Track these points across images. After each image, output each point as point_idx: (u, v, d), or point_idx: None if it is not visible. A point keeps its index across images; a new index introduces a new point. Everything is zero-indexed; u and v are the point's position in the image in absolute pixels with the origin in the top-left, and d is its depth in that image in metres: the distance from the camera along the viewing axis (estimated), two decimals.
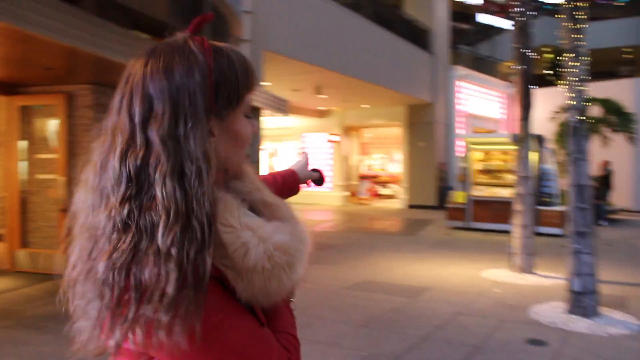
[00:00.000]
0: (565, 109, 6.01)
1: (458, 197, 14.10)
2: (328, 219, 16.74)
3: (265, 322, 0.97)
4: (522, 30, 7.92)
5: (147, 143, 0.89)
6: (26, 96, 8.28)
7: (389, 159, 26.54)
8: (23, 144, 8.32)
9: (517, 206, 8.17)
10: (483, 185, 14.04)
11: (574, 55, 5.87)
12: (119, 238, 0.86)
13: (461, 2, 28.87)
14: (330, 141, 21.18)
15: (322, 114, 21.79)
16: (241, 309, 0.92)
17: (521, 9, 7.88)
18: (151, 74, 0.92)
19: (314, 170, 1.77)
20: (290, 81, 15.38)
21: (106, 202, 0.90)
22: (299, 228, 1.06)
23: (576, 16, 5.87)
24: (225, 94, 0.95)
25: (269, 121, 21.87)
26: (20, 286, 7.17)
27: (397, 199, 21.48)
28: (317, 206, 20.61)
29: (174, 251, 0.83)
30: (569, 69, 5.91)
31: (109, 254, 0.85)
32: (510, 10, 7.71)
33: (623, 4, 19.91)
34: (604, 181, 16.10)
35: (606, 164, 16.35)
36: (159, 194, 0.86)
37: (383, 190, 24.21)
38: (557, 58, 29.01)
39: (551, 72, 28.10)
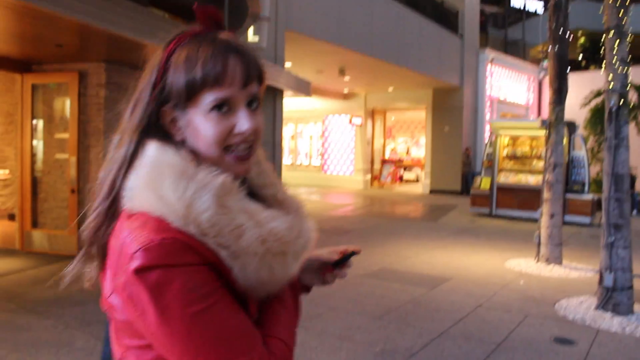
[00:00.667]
0: (604, 92, 5.58)
1: (483, 183, 13.69)
2: (348, 202, 16.45)
3: (255, 318, 0.99)
4: (557, 8, 7.46)
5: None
6: (39, 74, 8.08)
7: (413, 143, 26.12)
8: (36, 123, 8.16)
9: (546, 194, 7.77)
10: (509, 172, 13.60)
11: (616, 34, 5.43)
12: None
13: None
14: (352, 124, 20.79)
15: (346, 96, 21.41)
16: (230, 301, 0.92)
17: None
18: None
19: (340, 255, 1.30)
20: (313, 62, 15.03)
21: None
22: (303, 225, 1.06)
23: None
24: (175, 92, 0.97)
25: (291, 103, 21.65)
26: (28, 267, 7.02)
27: (420, 183, 21.10)
28: (338, 189, 20.34)
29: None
30: (610, 50, 5.47)
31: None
32: None
33: None
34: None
35: None
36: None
37: (406, 175, 23.84)
38: (591, 42, 28.23)
39: (583, 57, 27.34)
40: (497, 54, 20.67)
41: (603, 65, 5.65)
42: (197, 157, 0.98)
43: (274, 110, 10.97)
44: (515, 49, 23.75)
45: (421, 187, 20.42)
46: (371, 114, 21.57)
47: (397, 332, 4.94)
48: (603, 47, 5.61)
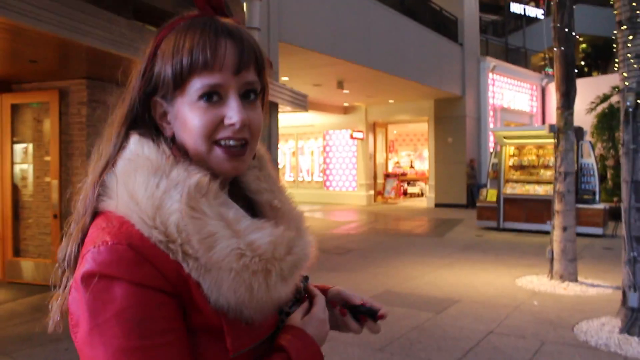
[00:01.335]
0: (617, 92, 5.13)
1: (489, 195, 13.19)
2: (351, 219, 15.95)
3: (236, 352, 0.83)
4: (562, 6, 7.02)
5: None
6: (18, 94, 7.70)
7: (416, 156, 25.67)
8: (17, 146, 7.75)
9: (557, 205, 7.28)
10: (516, 183, 13.11)
11: (629, 28, 4.98)
12: None
13: None
14: (353, 138, 20.36)
15: (346, 110, 21.03)
16: (179, 353, 0.78)
17: None
18: None
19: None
20: (310, 75, 14.62)
21: None
22: (298, 239, 0.93)
23: None
24: (162, 80, 0.89)
25: (291, 118, 21.27)
26: (7, 299, 6.57)
27: (424, 197, 20.62)
28: (341, 206, 19.87)
29: None
30: (623, 45, 5.02)
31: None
32: None
33: None
34: None
35: None
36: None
37: (410, 189, 23.36)
38: (593, 48, 27.83)
39: (585, 63, 26.94)
40: (498, 62, 20.28)
41: (616, 64, 5.20)
42: (184, 154, 0.90)
43: (269, 126, 10.54)
44: (516, 57, 23.37)
45: (426, 201, 19.94)
46: (372, 127, 21.14)
47: None
48: (615, 47, 5.17)
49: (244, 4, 8.45)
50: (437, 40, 17.08)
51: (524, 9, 28.34)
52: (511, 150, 13.39)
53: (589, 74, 25.74)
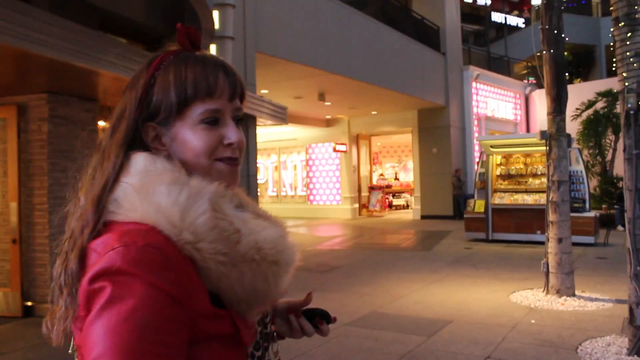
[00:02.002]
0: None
1: (477, 206, 12.81)
2: (335, 234, 15.48)
3: (246, 342, 0.93)
4: (549, 7, 6.67)
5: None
6: None
7: (400, 167, 25.33)
8: None
9: (551, 216, 6.88)
10: (504, 192, 12.75)
11: (627, 25, 4.61)
12: None
13: (470, 4, 27.75)
14: (336, 151, 19.95)
15: (328, 122, 20.65)
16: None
17: None
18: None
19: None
20: (290, 87, 14.21)
21: None
22: (288, 239, 1.02)
23: None
24: (161, 105, 0.97)
25: (272, 132, 20.83)
26: None
27: (410, 209, 20.24)
28: (325, 220, 19.42)
29: None
30: (621, 44, 4.64)
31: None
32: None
33: None
34: None
35: None
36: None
37: (395, 201, 22.98)
38: (575, 56, 27.79)
39: (567, 71, 26.84)
40: (481, 70, 20.04)
41: (615, 63, 4.82)
42: (187, 169, 0.96)
43: (247, 140, 10.06)
44: (499, 66, 23.18)
45: (412, 213, 19.55)
46: (356, 139, 20.77)
47: None
48: (615, 53, 4.79)
49: (216, 12, 8.03)
50: (420, 49, 16.78)
51: (505, 18, 28.29)
52: (498, 159, 13.05)
53: (570, 82, 25.66)
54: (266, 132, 20.98)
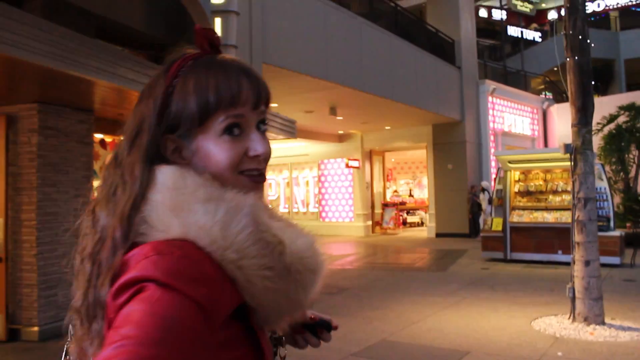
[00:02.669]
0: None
1: (494, 224, 12.25)
2: (347, 252, 14.94)
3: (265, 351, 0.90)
4: (573, 10, 6.19)
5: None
6: None
7: (415, 183, 24.77)
8: None
9: (577, 236, 6.33)
10: (523, 210, 12.17)
11: None
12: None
13: (486, 18, 27.34)
14: (349, 167, 19.47)
15: (341, 138, 20.20)
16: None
17: None
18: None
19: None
20: (300, 101, 13.77)
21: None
22: (319, 246, 0.98)
23: None
24: (185, 117, 0.91)
25: (284, 148, 20.43)
26: None
27: (424, 227, 19.67)
28: (338, 238, 18.89)
29: None
30: None
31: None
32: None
33: None
34: None
35: None
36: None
37: (410, 218, 22.41)
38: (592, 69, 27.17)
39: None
40: (497, 84, 19.51)
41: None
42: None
43: None
44: (515, 80, 22.64)
45: (426, 231, 18.95)
46: (369, 155, 20.30)
47: None
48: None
49: (218, 19, 7.65)
50: (434, 62, 16.32)
51: (522, 32, 27.79)
52: (516, 175, 12.49)
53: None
54: (278, 148, 20.56)
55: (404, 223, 21.98)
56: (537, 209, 12.01)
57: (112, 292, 0.78)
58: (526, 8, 29.08)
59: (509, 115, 20.24)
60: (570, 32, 6.22)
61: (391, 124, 18.16)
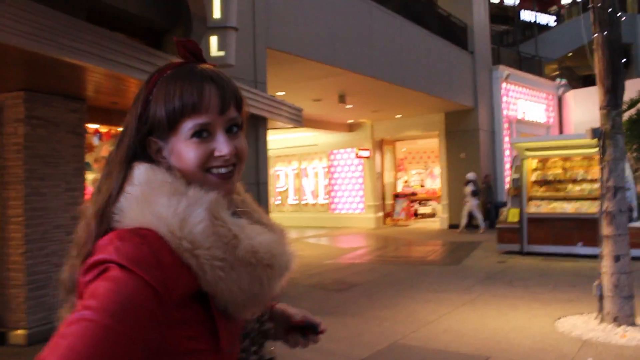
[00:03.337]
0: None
1: (510, 215, 11.72)
2: (357, 245, 14.48)
3: (224, 345, 0.97)
4: None
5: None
6: None
7: (427, 174, 24.21)
8: None
9: (605, 229, 5.82)
10: (541, 200, 11.63)
11: None
12: None
13: (497, 4, 26.63)
14: (359, 157, 18.97)
15: (351, 127, 19.71)
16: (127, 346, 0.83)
17: None
18: None
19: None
20: (308, 88, 13.29)
21: None
22: (286, 245, 1.07)
23: None
24: (157, 123, 1.02)
25: (293, 138, 19.98)
26: None
27: (437, 218, 19.15)
28: (348, 229, 18.46)
29: None
30: None
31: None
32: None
33: None
34: None
35: None
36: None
37: (421, 209, 21.88)
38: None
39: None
40: (511, 70, 18.88)
41: None
42: (186, 179, 1.01)
43: (256, 143, 9.17)
44: (529, 66, 21.96)
45: (439, 222, 18.42)
46: (379, 145, 19.79)
47: None
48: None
49: (217, 0, 7.17)
50: (446, 47, 15.76)
51: (535, 17, 27.05)
52: (534, 164, 11.94)
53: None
54: (286, 138, 20.15)
55: (416, 214, 21.45)
56: (555, 199, 11.48)
57: (82, 270, 0.90)
58: None
59: (524, 102, 19.63)
60: (599, 4, 5.68)
61: (402, 112, 17.65)
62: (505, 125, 18.40)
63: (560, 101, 21.90)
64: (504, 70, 18.37)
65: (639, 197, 14.00)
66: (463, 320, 6.27)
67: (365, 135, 19.46)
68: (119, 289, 0.82)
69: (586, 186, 11.23)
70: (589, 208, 10.77)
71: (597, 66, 5.80)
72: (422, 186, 23.70)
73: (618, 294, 5.68)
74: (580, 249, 10.62)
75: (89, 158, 7.50)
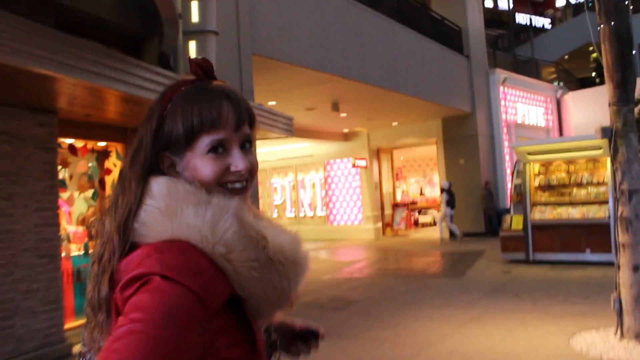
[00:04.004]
0: None
1: (514, 222, 11.23)
2: (356, 258, 13.94)
3: (260, 347, 0.98)
4: None
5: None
6: None
7: (426, 182, 23.74)
8: None
9: (621, 236, 5.33)
10: (545, 206, 11.14)
11: None
12: None
13: (491, 9, 26.32)
14: (356, 166, 18.50)
15: (346, 136, 19.26)
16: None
17: None
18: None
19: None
20: (299, 97, 12.82)
21: None
22: (301, 243, 1.09)
23: None
24: (174, 138, 1.03)
25: (288, 149, 19.53)
26: None
27: (437, 226, 18.66)
28: (347, 241, 17.95)
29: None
30: None
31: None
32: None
33: None
34: None
35: None
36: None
37: (421, 218, 21.39)
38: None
39: (597, 73, 25.06)
40: (508, 74, 18.46)
41: None
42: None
43: None
44: (526, 69, 21.57)
45: (439, 231, 17.89)
46: (376, 154, 19.33)
47: None
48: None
49: (195, 3, 6.71)
50: (441, 51, 15.33)
51: (530, 19, 26.70)
52: (536, 168, 11.46)
53: (602, 84, 23.98)
54: (281, 150, 19.71)
55: (416, 224, 20.95)
56: (560, 204, 10.99)
57: (120, 286, 0.88)
58: None
59: (522, 105, 19.20)
60: None
61: (398, 119, 17.20)
62: (504, 130, 17.95)
63: (559, 104, 21.48)
64: (500, 73, 17.95)
65: None
66: (469, 340, 5.75)
67: (361, 144, 19.01)
68: (164, 299, 0.83)
69: (592, 189, 10.75)
70: (597, 212, 10.30)
71: (605, 59, 5.33)
72: (421, 195, 23.24)
73: (639, 308, 5.17)
74: (589, 256, 10.13)
75: (64, 175, 7.01)
